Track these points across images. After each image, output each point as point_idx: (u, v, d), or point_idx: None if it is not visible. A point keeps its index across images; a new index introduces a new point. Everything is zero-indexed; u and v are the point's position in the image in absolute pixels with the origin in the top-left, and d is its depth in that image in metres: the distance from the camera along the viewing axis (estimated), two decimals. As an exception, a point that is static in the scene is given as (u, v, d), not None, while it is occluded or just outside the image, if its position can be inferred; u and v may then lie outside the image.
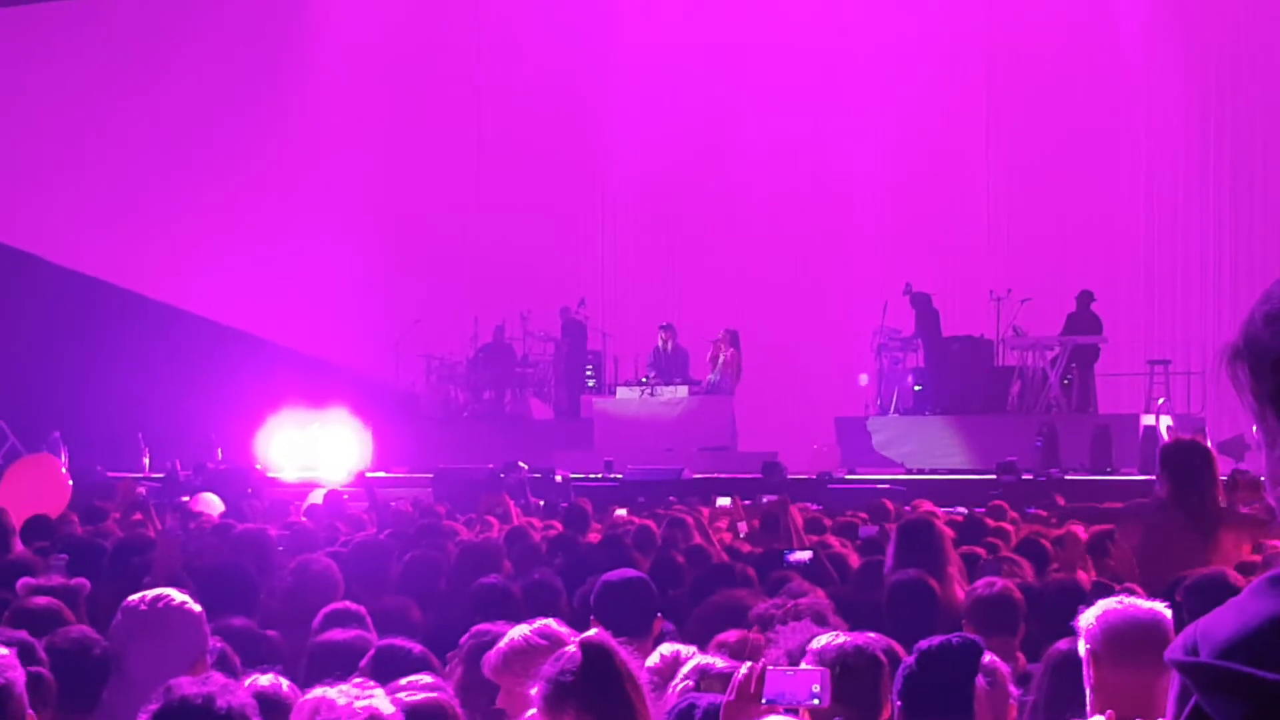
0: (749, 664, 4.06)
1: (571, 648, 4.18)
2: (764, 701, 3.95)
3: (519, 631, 4.92)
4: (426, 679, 4.66)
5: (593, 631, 4.29)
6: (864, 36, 27.50)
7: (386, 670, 4.66)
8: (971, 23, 27.32)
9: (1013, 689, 4.82)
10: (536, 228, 28.80)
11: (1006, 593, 6.29)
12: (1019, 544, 9.16)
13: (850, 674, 4.19)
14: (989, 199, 27.44)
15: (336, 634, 5.64)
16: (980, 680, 4.50)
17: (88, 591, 6.59)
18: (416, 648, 5.30)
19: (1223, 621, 1.81)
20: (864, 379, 24.28)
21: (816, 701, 3.94)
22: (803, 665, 4.33)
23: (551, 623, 4.95)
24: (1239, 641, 1.77)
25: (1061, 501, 14.55)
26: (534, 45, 28.82)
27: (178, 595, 4.89)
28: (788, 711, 3.93)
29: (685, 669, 4.64)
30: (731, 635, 5.38)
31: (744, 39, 28.16)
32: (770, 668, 4.02)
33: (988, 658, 4.68)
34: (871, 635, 4.71)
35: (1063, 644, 5.19)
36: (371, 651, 5.26)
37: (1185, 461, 7.77)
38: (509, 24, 29.38)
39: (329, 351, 26.78)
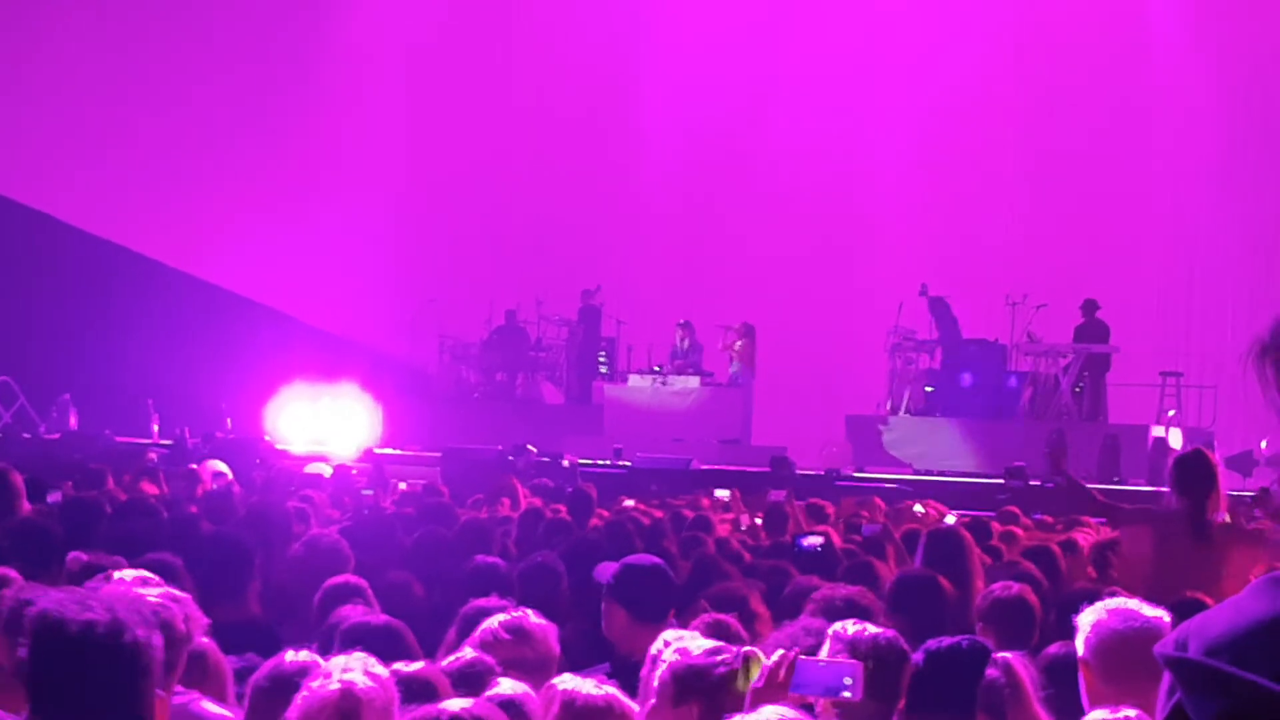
0: (780, 651, 4.02)
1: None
2: (792, 691, 3.90)
3: (492, 621, 4.91)
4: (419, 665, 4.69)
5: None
6: (890, 39, 27.47)
7: (359, 644, 4.68)
8: (996, 29, 27.26)
9: (1034, 689, 4.79)
10: (556, 212, 28.79)
11: (1023, 596, 6.27)
12: (1028, 550, 9.13)
13: (882, 666, 4.16)
14: (1009, 204, 27.41)
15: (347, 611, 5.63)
16: (1000, 680, 4.49)
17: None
18: (382, 621, 5.31)
19: (1217, 619, 1.81)
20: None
21: (848, 695, 3.87)
22: (822, 655, 4.26)
23: (530, 615, 4.94)
24: (1227, 640, 1.77)
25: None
26: (562, 28, 28.80)
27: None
28: (803, 707, 3.87)
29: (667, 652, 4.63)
30: (706, 617, 5.36)
31: (773, 35, 28.14)
32: (801, 657, 3.95)
33: (1008, 658, 4.67)
34: (889, 630, 4.67)
35: (1056, 648, 5.18)
36: (344, 626, 5.28)
37: (1194, 474, 7.75)
38: (536, 9, 29.36)
39: (343, 326, 26.79)
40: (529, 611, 4.99)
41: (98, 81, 27.17)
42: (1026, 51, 27.19)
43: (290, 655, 4.22)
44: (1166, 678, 1.84)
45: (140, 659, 3.31)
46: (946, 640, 4.46)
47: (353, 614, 5.52)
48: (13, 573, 6.16)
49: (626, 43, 28.68)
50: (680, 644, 4.30)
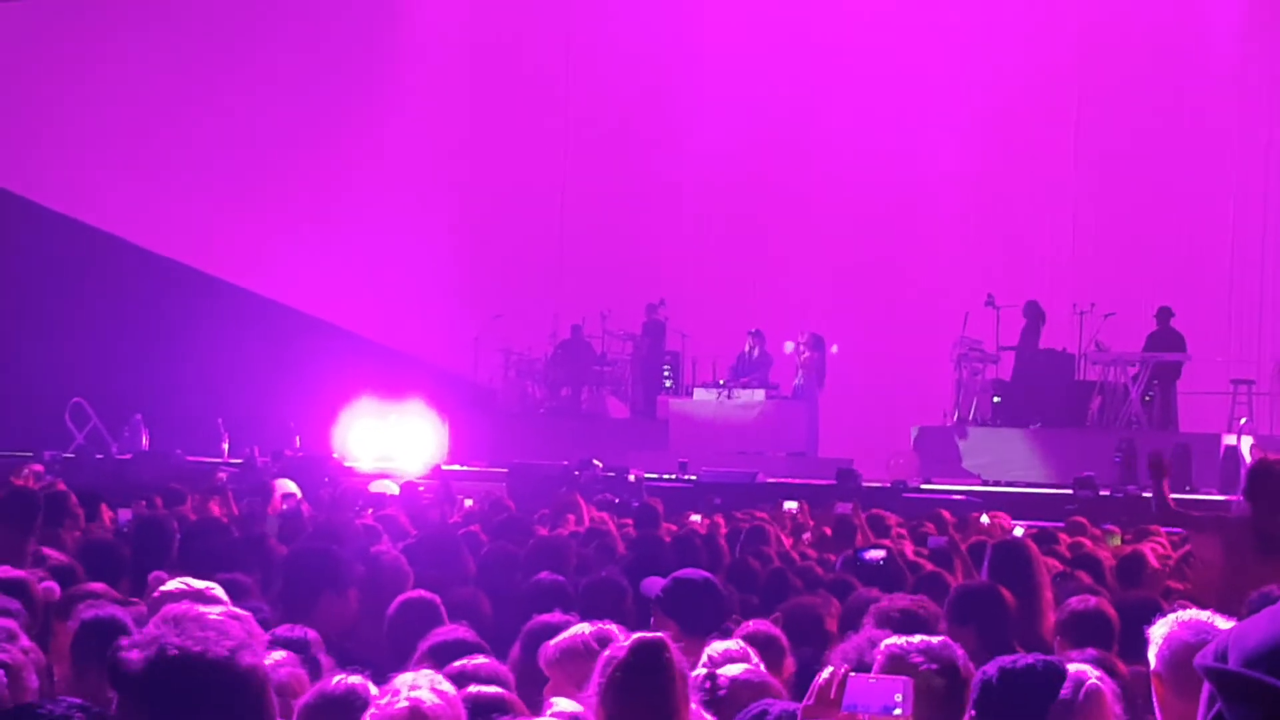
0: (830, 669, 4.00)
1: (625, 643, 4.19)
2: (843, 710, 3.88)
3: (579, 629, 4.93)
4: (481, 659, 4.72)
5: (656, 634, 4.29)
6: (952, 45, 27.35)
7: (443, 660, 4.71)
8: (1060, 33, 27.12)
9: (1117, 707, 4.75)
10: (620, 226, 28.82)
11: (1100, 608, 6.22)
12: (1078, 558, 9.08)
13: (945, 677, 4.13)
14: (1075, 212, 27.23)
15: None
16: (1076, 696, 4.46)
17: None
18: (471, 636, 5.35)
19: (1254, 630, 1.80)
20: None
21: (899, 712, 3.85)
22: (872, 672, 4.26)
23: (613, 628, 4.96)
24: (1265, 651, 1.76)
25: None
26: (621, 42, 28.84)
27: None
28: None
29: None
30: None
31: (830, 44, 28.08)
32: (853, 674, 3.92)
33: (1095, 675, 4.64)
34: (944, 639, 4.64)
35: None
36: (428, 643, 5.32)
37: (1264, 484, 7.67)
38: (596, 21, 29.42)
39: (409, 343, 26.92)
40: (612, 625, 5.02)
41: (164, 102, 27.44)
42: (1088, 54, 27.01)
43: (338, 677, 4.25)
44: (1206, 687, 1.84)
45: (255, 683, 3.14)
46: (1023, 659, 4.43)
47: (446, 633, 5.55)
48: (101, 586, 6.26)
49: (687, 56, 28.69)
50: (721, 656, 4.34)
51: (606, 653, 4.21)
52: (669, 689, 4.12)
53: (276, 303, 27.42)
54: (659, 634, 4.26)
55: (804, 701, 3.97)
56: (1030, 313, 23.34)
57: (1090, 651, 5.46)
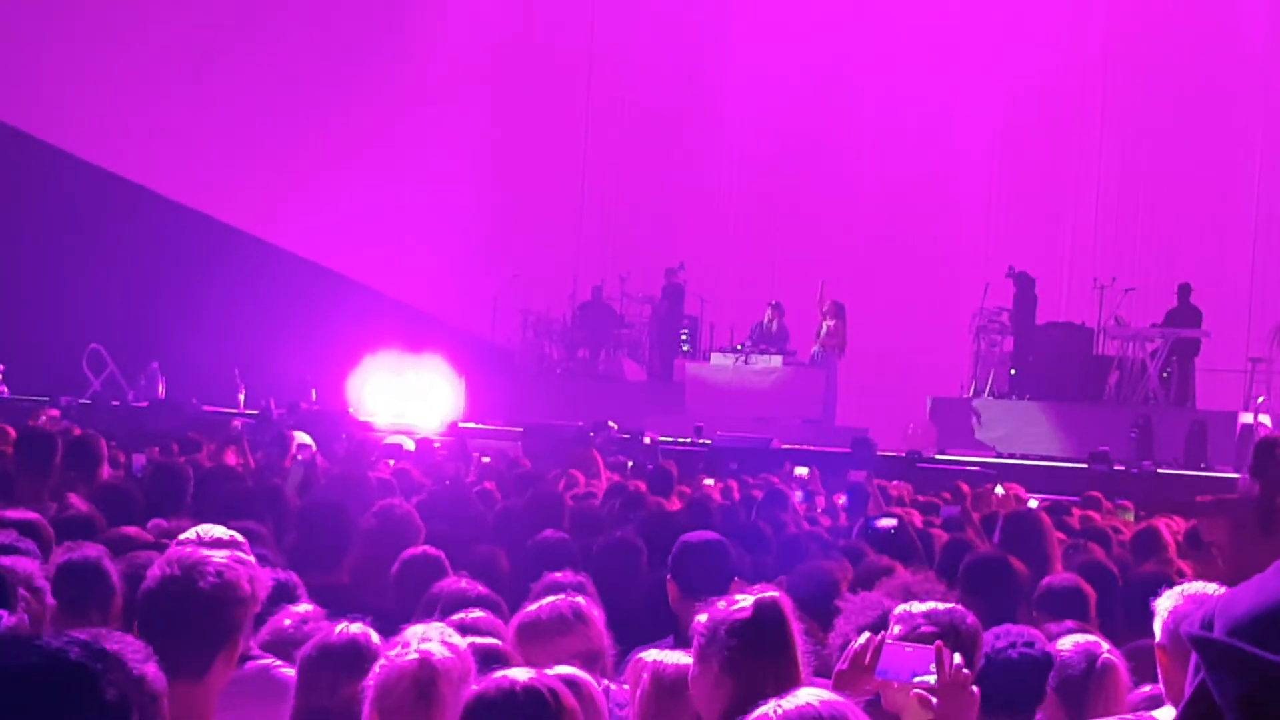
0: (866, 634, 4.00)
1: (746, 602, 4.07)
2: (878, 676, 3.87)
3: (550, 599, 4.92)
4: (479, 613, 4.73)
5: (773, 594, 4.19)
6: (979, 15, 27.24)
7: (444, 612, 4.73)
8: (1088, 10, 26.99)
9: (1129, 680, 4.76)
10: (641, 189, 28.80)
11: (1076, 584, 6.23)
12: (1088, 530, 9.08)
13: (961, 643, 4.12)
14: (1098, 186, 27.15)
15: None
16: (1091, 669, 4.49)
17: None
18: (472, 589, 5.36)
19: (1241, 599, 1.80)
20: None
21: (932, 680, 3.83)
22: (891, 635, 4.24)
23: (582, 601, 4.94)
24: (1249, 620, 1.76)
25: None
26: (649, 7, 28.76)
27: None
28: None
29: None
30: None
31: (855, 18, 27.98)
32: (888, 642, 3.94)
33: (1105, 649, 4.66)
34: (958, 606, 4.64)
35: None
36: (430, 594, 5.35)
37: (1272, 461, 7.64)
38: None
39: (428, 301, 26.94)
40: (580, 599, 5.00)
41: (187, 49, 27.40)
42: (1116, 31, 26.90)
43: (340, 627, 4.26)
44: (1194, 657, 1.84)
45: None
46: (1015, 648, 4.45)
47: (452, 585, 5.56)
48: (134, 530, 6.29)
49: (711, 22, 28.61)
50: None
51: (704, 619, 4.10)
52: (793, 647, 4.07)
53: (297, 256, 27.45)
54: (774, 593, 4.18)
55: (837, 666, 3.96)
56: (1020, 282, 23.13)
57: (1068, 624, 5.48)
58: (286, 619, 4.77)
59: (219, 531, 5.10)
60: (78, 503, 7.10)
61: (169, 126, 26.84)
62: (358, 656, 4.10)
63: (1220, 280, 24.81)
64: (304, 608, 4.92)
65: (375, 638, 4.21)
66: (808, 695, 3.21)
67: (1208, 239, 25.90)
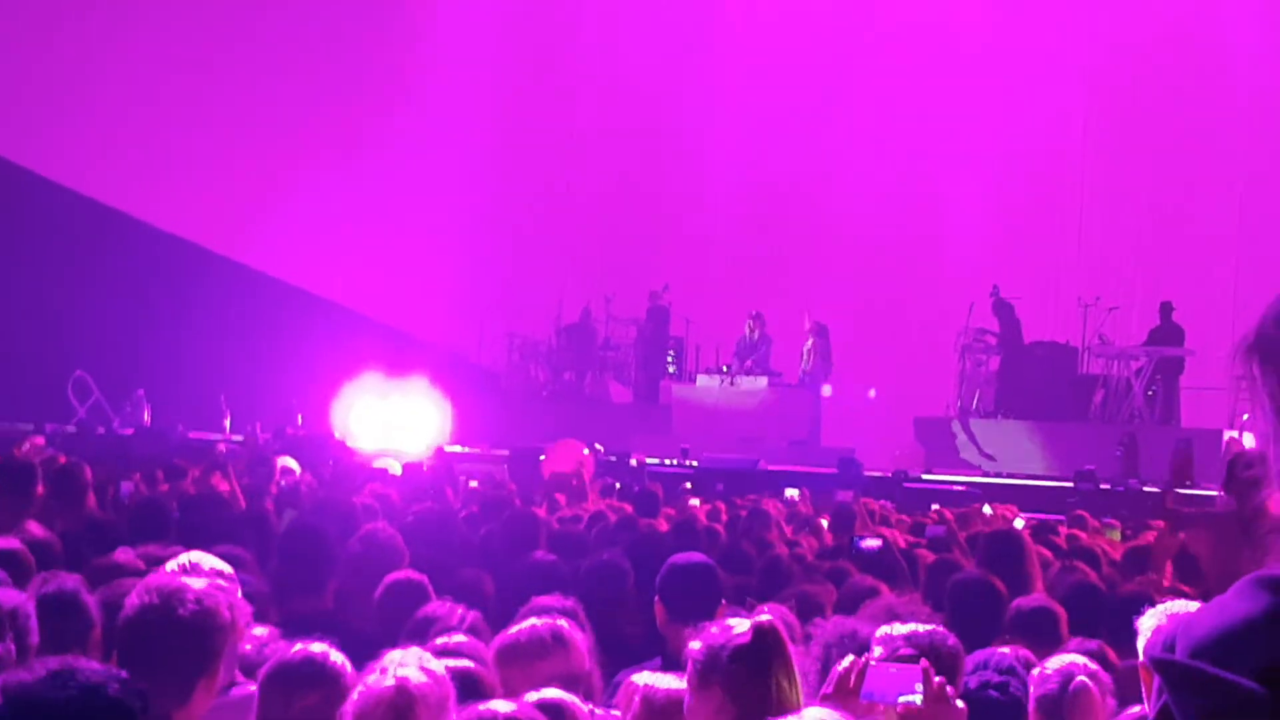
0: (850, 658, 3.98)
1: (743, 626, 4.06)
2: (863, 699, 3.81)
3: (530, 622, 4.89)
4: (460, 638, 4.71)
5: (766, 617, 4.18)
6: (963, 41, 27.32)
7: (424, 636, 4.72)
8: (1071, 30, 27.08)
9: (1110, 701, 4.75)
10: (625, 211, 28.81)
11: (1048, 606, 6.22)
12: (1076, 549, 9.09)
13: (942, 665, 4.10)
14: (1081, 205, 27.22)
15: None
16: (1064, 691, 4.50)
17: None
18: (459, 614, 5.35)
19: (1202, 620, 1.81)
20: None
21: (918, 700, 3.84)
22: (873, 656, 4.23)
23: (564, 624, 4.91)
24: (1210, 641, 1.77)
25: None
26: (632, 29, 28.82)
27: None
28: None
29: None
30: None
31: (842, 34, 28.05)
32: (872, 663, 3.89)
33: (1092, 668, 4.66)
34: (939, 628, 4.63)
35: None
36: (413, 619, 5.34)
37: (1248, 475, 7.66)
38: (604, 9, 29.39)
39: (413, 324, 26.92)
40: (563, 622, 4.97)
41: (172, 77, 27.39)
42: (1097, 49, 26.99)
43: (298, 646, 4.23)
44: (1156, 679, 1.85)
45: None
46: (989, 688, 4.45)
47: (441, 610, 5.54)
48: (123, 556, 6.25)
49: (697, 45, 28.67)
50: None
51: (699, 645, 4.08)
52: (793, 668, 4.06)
53: (282, 281, 27.41)
54: (768, 617, 4.17)
55: (822, 690, 3.95)
56: (1000, 308, 23.20)
57: (1073, 643, 5.49)
58: (247, 644, 4.76)
59: (202, 558, 5.09)
60: (35, 530, 7.01)
61: (152, 152, 26.80)
62: (314, 670, 4.09)
63: (1204, 298, 24.86)
64: (260, 631, 4.90)
65: (336, 656, 4.20)
66: (814, 716, 3.20)
67: (1191, 258, 25.96)
